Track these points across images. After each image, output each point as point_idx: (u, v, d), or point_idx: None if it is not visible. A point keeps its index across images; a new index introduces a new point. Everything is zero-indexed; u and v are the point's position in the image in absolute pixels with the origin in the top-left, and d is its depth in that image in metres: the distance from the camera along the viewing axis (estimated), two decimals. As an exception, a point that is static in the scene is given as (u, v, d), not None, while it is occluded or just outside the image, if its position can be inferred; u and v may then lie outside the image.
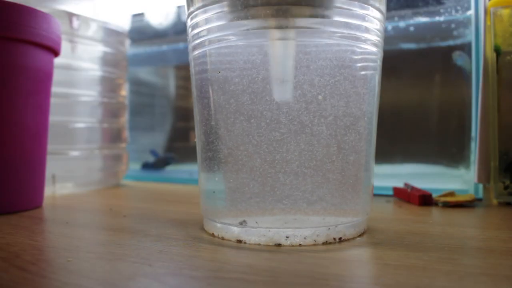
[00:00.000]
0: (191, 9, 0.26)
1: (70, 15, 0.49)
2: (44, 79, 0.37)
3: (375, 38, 0.26)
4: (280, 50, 0.24)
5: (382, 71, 0.28)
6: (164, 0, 0.66)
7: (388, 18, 0.49)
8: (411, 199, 0.39)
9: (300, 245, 0.24)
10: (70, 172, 0.49)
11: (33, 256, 0.22)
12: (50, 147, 0.41)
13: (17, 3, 0.33)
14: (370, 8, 0.25)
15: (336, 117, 0.24)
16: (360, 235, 0.26)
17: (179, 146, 0.68)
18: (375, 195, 0.42)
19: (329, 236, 0.25)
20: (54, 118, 0.43)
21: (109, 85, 0.55)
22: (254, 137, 0.24)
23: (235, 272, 0.20)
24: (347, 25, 0.24)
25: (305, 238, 0.24)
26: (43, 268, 0.21)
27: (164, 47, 0.69)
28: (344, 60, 0.24)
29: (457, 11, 0.46)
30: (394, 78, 0.49)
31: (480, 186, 0.41)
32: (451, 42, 0.46)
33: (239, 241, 0.25)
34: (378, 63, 0.27)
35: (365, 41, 0.25)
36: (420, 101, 0.49)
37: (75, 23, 0.50)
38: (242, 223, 0.24)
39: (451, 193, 0.39)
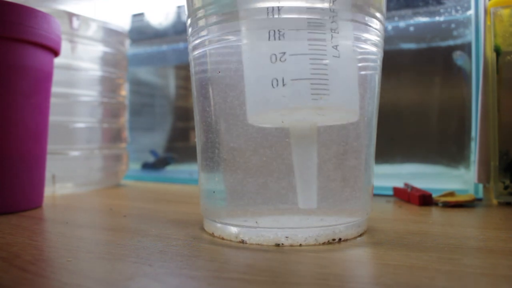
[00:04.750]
0: (191, 9, 0.26)
1: (70, 15, 0.49)
2: (44, 79, 0.37)
3: (375, 38, 0.26)
4: (303, 156, 0.23)
5: (382, 71, 0.28)
6: (164, 0, 0.66)
7: (388, 18, 0.49)
8: (411, 199, 0.39)
9: (300, 245, 0.24)
10: (70, 172, 0.49)
11: (33, 256, 0.22)
12: (50, 147, 0.41)
13: (17, 3, 0.33)
14: (370, 8, 0.25)
15: (336, 117, 0.24)
16: (360, 235, 0.26)
17: (179, 146, 0.68)
18: (375, 195, 0.42)
19: (329, 236, 0.25)
20: (54, 118, 0.43)
21: (109, 85, 0.55)
22: (254, 137, 0.24)
23: (235, 272, 0.20)
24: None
25: (305, 238, 0.24)
26: (43, 268, 0.21)
27: (164, 47, 0.69)
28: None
29: (457, 11, 0.46)
30: (394, 78, 0.49)
31: (480, 186, 0.41)
32: (451, 42, 0.46)
33: (239, 241, 0.25)
34: (378, 63, 0.27)
35: (365, 41, 0.25)
36: (420, 101, 0.49)
37: (75, 23, 0.50)
38: (258, 222, 0.24)
39: (451, 193, 0.39)
